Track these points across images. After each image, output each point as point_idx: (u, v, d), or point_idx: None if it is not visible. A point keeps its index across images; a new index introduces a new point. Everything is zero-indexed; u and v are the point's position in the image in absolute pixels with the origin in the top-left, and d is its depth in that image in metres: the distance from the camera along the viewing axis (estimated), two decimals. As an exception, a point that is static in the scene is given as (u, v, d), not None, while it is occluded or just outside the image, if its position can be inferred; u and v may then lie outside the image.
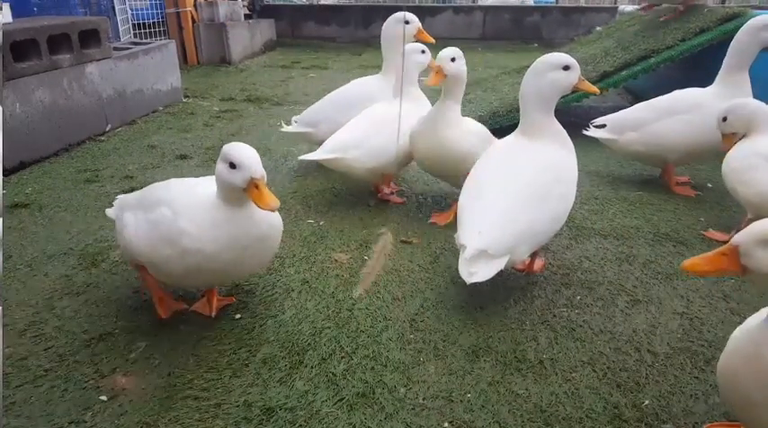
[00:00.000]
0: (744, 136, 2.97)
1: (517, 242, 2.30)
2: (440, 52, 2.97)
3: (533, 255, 2.66)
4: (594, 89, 2.68)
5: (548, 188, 2.42)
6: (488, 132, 3.25)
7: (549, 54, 2.56)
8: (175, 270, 2.10)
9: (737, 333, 1.56)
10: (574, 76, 2.52)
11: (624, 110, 3.93)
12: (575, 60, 2.53)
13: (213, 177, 2.09)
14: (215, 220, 2.03)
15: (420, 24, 3.90)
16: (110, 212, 2.52)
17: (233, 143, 2.01)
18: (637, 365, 2.10)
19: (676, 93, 3.73)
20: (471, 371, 2.06)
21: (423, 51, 3.54)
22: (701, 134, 3.41)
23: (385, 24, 4.00)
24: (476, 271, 2.21)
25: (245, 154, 1.96)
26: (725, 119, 2.98)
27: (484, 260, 2.23)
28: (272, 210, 1.97)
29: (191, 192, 2.16)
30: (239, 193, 1.98)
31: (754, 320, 1.53)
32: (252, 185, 1.94)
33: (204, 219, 2.04)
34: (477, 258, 2.23)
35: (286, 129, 4.10)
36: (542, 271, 2.76)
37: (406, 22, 3.84)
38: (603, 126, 3.88)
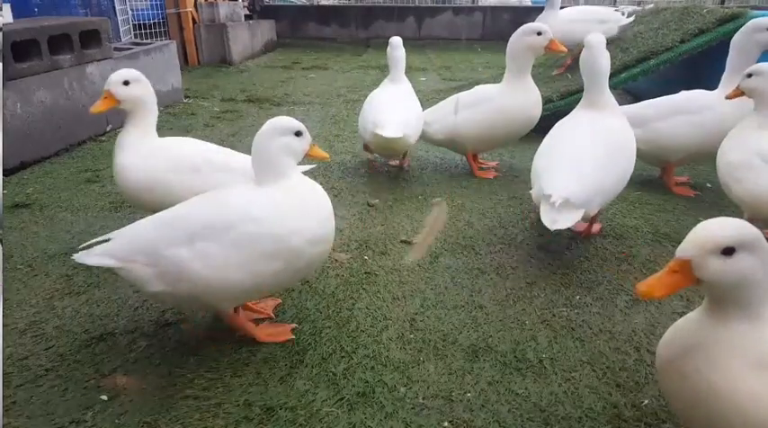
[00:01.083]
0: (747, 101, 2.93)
1: (593, 196, 2.61)
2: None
3: (593, 219, 3.03)
4: None
5: (616, 150, 2.80)
6: None
7: (597, 36, 2.96)
8: (283, 278, 2.06)
9: (680, 322, 1.54)
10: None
11: (628, 106, 3.87)
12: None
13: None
14: (296, 205, 2.05)
15: (551, 35, 3.67)
16: (108, 261, 2.01)
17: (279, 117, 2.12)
18: (636, 365, 2.10)
19: (683, 93, 3.71)
20: (471, 371, 2.06)
21: (539, 33, 3.66)
22: (706, 136, 3.41)
23: (513, 37, 3.80)
24: (558, 219, 2.48)
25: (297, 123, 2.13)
26: (750, 75, 2.89)
27: (566, 210, 2.51)
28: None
29: (249, 196, 2.05)
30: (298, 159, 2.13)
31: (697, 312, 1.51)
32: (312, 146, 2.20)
33: (293, 209, 2.02)
34: (560, 208, 2.50)
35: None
36: (599, 233, 3.12)
37: (538, 33, 3.66)
38: None
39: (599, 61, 2.91)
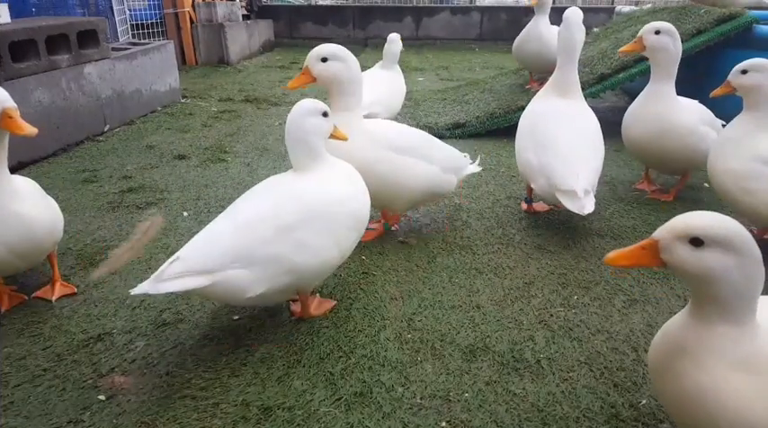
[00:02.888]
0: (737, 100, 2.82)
1: (596, 180, 3.04)
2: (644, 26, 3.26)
3: None
4: None
5: (597, 136, 3.18)
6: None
7: (574, 10, 3.15)
8: (353, 246, 2.32)
9: (667, 324, 1.55)
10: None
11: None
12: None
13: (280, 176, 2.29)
14: (348, 180, 2.31)
15: None
16: (195, 281, 1.89)
17: None
18: (634, 365, 2.11)
19: None
20: (469, 371, 2.07)
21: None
22: None
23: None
24: (585, 205, 2.83)
25: (323, 103, 2.24)
26: (745, 71, 2.79)
27: (588, 196, 2.88)
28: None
29: (315, 181, 2.22)
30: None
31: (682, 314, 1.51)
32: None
33: (351, 184, 2.31)
34: (584, 195, 2.85)
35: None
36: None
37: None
38: None
39: (575, 36, 3.12)
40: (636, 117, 3.50)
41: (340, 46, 2.73)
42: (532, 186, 3.13)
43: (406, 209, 3.05)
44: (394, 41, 4.75)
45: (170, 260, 1.90)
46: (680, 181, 3.71)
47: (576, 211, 2.83)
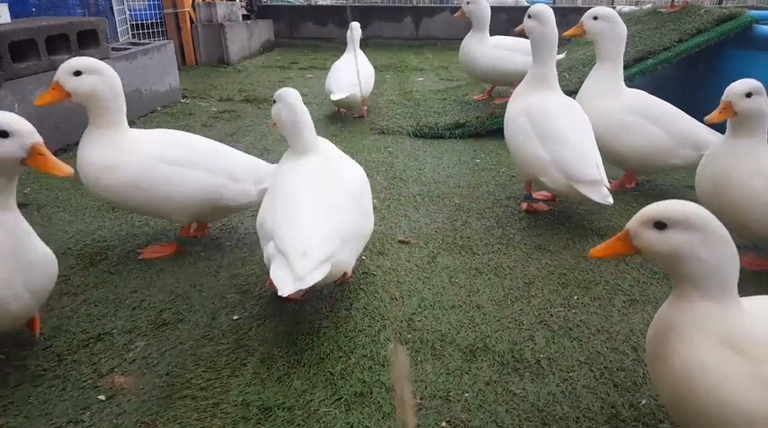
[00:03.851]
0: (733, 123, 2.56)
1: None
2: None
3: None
4: None
5: (589, 125, 3.24)
6: None
7: (541, 5, 3.23)
8: None
9: (658, 310, 1.61)
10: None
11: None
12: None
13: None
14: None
15: None
16: (326, 268, 2.04)
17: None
18: (634, 365, 2.11)
19: None
20: (469, 371, 2.07)
21: None
22: None
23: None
24: (604, 193, 2.98)
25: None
26: (749, 95, 2.46)
27: (599, 186, 3.02)
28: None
29: (335, 158, 2.54)
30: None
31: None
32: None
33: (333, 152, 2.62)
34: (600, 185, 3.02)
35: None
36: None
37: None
38: None
39: (548, 30, 3.20)
40: (578, 99, 3.56)
41: (95, 59, 2.60)
42: (544, 181, 3.12)
43: (189, 220, 2.88)
44: (354, 29, 5.74)
45: (296, 257, 2.00)
46: (624, 176, 3.82)
47: (600, 201, 2.92)
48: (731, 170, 2.55)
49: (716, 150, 2.69)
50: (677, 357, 1.45)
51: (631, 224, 1.53)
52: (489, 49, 5.56)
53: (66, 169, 1.93)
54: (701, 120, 3.59)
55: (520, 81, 3.48)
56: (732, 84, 2.53)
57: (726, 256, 1.44)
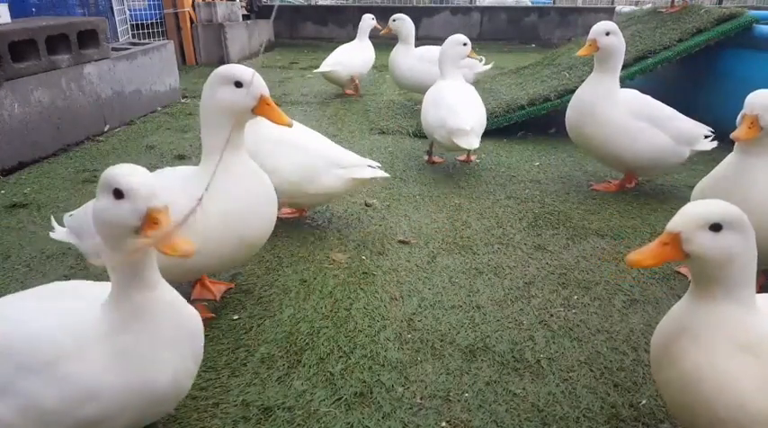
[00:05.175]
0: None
1: (481, 130, 3.94)
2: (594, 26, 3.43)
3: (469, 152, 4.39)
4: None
5: (480, 100, 4.09)
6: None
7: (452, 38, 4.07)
8: None
9: (671, 310, 1.58)
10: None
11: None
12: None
13: None
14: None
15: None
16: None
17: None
18: (634, 365, 2.11)
19: None
20: (469, 371, 2.07)
21: (464, 44, 4.17)
22: None
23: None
24: (472, 140, 3.70)
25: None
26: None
27: (474, 134, 3.75)
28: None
29: None
30: None
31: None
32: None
33: None
34: (471, 133, 3.73)
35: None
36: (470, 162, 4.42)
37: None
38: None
39: (449, 52, 4.11)
40: (571, 105, 3.67)
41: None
42: (436, 138, 3.93)
43: None
44: (365, 20, 6.71)
45: (365, 164, 3.00)
46: (624, 177, 3.85)
47: (466, 147, 3.69)
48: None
49: None
50: (689, 361, 1.40)
51: (682, 227, 1.40)
52: (414, 61, 5.87)
53: (288, 119, 2.11)
54: (701, 120, 3.61)
55: None
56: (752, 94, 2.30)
57: (755, 257, 1.42)
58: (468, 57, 4.28)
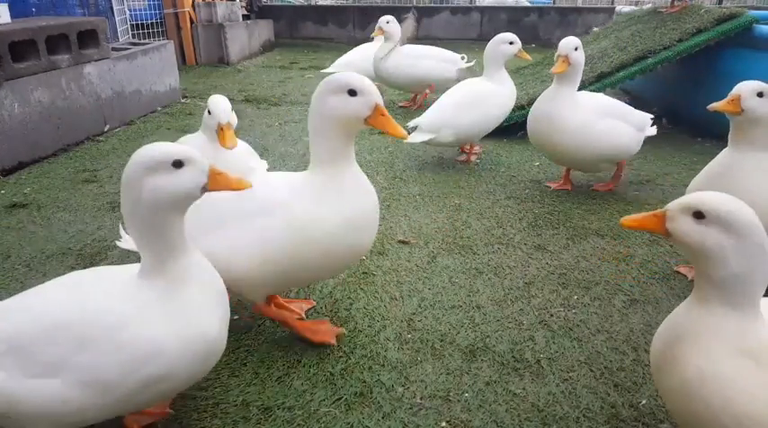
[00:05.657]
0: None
1: (440, 125, 4.08)
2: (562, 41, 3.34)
3: (470, 150, 4.48)
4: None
5: (486, 102, 4.10)
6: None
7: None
8: None
9: (672, 314, 1.57)
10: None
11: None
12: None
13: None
14: None
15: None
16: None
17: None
18: (634, 365, 2.11)
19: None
20: (469, 371, 2.07)
21: (511, 42, 4.08)
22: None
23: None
24: (414, 135, 4.04)
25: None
26: (761, 95, 2.31)
27: (420, 131, 4.09)
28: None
29: None
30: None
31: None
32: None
33: None
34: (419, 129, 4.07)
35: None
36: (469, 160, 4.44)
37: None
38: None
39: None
40: (535, 119, 3.57)
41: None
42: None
43: None
44: (381, 22, 5.84)
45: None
46: (615, 173, 3.82)
47: (411, 140, 4.02)
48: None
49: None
50: (690, 365, 1.39)
51: (672, 205, 1.49)
52: (401, 58, 5.86)
53: (403, 131, 2.00)
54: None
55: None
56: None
57: (757, 267, 1.36)
58: (518, 57, 4.18)
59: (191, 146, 2.56)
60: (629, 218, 1.56)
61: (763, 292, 1.40)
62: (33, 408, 1.42)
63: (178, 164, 1.50)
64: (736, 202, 1.40)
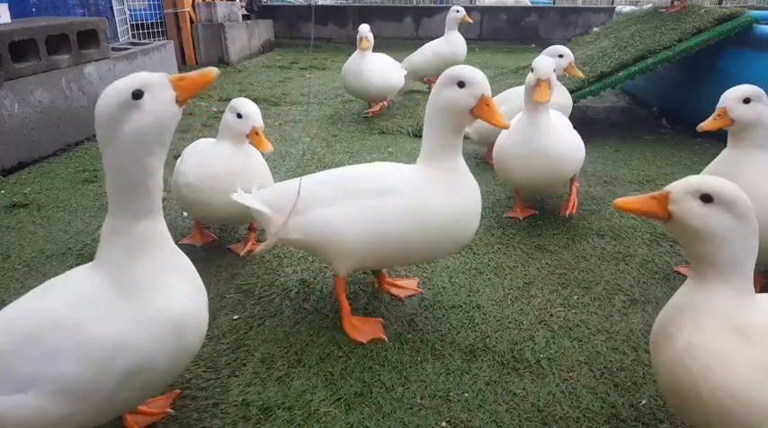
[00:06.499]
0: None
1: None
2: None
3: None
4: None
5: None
6: None
7: None
8: None
9: (672, 298, 1.58)
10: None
11: None
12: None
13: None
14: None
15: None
16: None
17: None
18: (634, 365, 2.11)
19: None
20: (469, 371, 2.07)
21: (560, 55, 3.80)
22: None
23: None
24: None
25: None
26: (747, 101, 2.27)
27: None
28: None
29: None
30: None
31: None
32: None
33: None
34: None
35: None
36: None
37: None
38: None
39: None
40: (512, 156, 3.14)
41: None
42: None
43: None
44: (451, 12, 6.23)
45: None
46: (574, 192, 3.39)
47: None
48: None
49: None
50: (681, 340, 1.43)
51: (676, 188, 1.46)
52: (383, 64, 5.53)
53: (505, 122, 2.07)
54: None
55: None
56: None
57: (751, 248, 1.42)
58: (566, 72, 3.87)
59: (213, 153, 2.65)
60: (624, 200, 1.52)
61: (752, 272, 1.45)
62: (16, 425, 1.37)
63: (138, 94, 1.40)
64: (735, 186, 1.43)
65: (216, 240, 3.06)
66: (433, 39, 6.72)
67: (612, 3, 13.16)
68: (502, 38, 11.55)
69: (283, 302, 2.49)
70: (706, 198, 1.41)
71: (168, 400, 1.88)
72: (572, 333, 2.30)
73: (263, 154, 2.73)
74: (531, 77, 2.99)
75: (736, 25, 4.65)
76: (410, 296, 2.54)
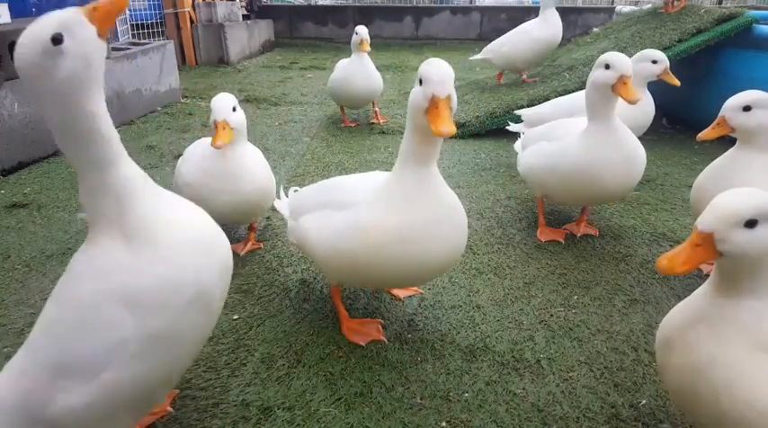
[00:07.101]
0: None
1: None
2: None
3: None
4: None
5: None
6: None
7: None
8: None
9: (682, 303, 1.56)
10: None
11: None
12: None
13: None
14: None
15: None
16: None
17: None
18: (634, 365, 2.11)
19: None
20: (469, 371, 2.07)
21: (654, 61, 3.54)
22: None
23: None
24: None
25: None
26: (747, 108, 2.29)
27: None
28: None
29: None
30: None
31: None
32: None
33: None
34: None
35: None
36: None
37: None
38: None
39: None
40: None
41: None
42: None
43: None
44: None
45: None
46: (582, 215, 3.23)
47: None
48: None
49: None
50: (704, 350, 1.38)
51: (717, 226, 1.34)
52: (373, 70, 5.28)
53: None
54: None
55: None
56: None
57: None
58: (660, 79, 3.59)
59: (212, 154, 2.72)
60: (669, 263, 1.37)
61: None
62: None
63: (58, 38, 1.24)
64: (759, 192, 1.35)
65: None
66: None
67: (612, 3, 13.16)
68: (502, 38, 11.55)
69: (283, 302, 2.49)
70: (752, 223, 1.32)
71: (168, 399, 1.88)
72: (572, 333, 2.30)
73: (213, 146, 2.48)
74: (606, 75, 2.61)
75: (736, 25, 4.65)
76: (410, 296, 2.54)
